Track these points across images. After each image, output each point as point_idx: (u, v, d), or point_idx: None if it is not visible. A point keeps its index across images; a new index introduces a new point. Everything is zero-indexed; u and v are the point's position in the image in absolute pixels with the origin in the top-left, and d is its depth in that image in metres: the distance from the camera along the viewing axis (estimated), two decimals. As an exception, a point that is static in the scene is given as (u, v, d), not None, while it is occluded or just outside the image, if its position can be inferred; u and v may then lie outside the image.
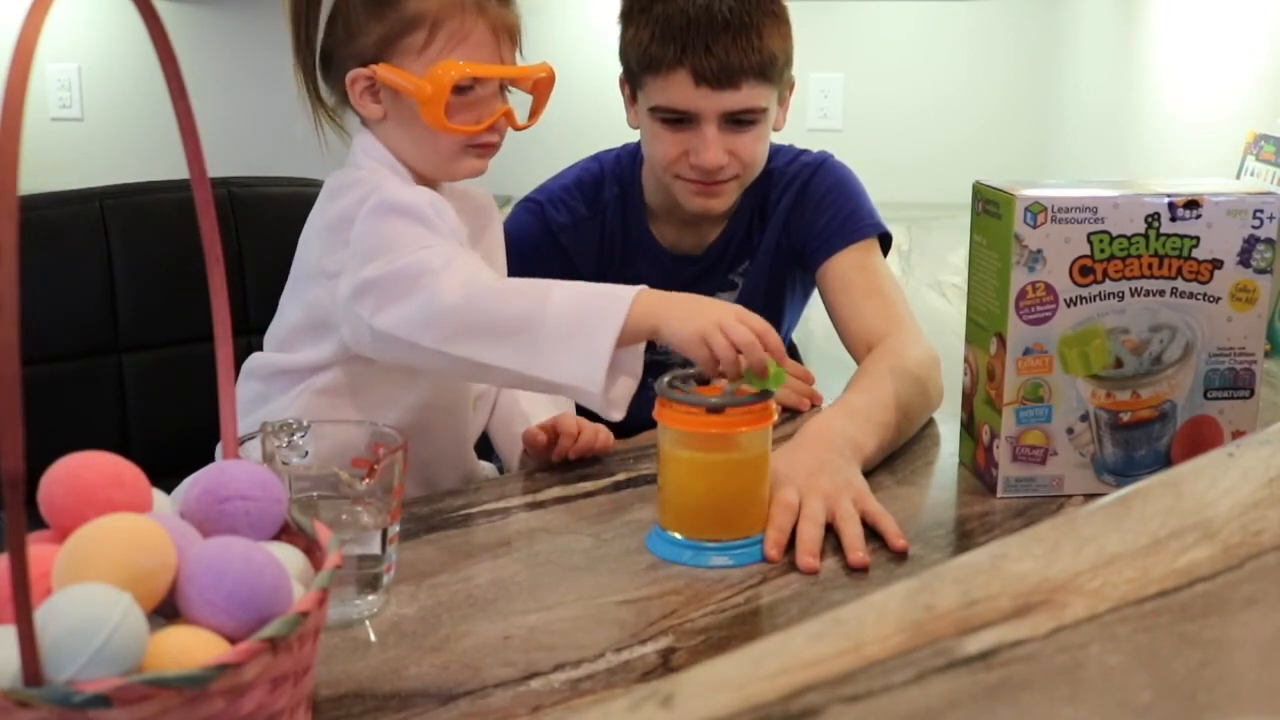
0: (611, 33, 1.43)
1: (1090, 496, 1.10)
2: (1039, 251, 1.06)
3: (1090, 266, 1.06)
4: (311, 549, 0.72)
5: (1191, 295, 1.08)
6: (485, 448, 1.36)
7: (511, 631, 0.88)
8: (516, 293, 1.06)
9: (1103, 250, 1.06)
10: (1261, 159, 1.73)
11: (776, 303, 1.52)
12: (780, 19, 1.37)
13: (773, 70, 1.35)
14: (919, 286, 2.14)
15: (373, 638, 0.87)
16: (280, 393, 1.19)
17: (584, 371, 1.01)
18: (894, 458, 1.21)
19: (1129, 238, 1.06)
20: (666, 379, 1.02)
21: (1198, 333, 1.09)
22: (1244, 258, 1.08)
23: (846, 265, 1.43)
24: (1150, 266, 1.07)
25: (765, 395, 1.00)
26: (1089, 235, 1.06)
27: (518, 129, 1.21)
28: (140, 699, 0.56)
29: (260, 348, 1.25)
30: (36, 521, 0.64)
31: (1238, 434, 1.11)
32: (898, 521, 1.02)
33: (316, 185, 1.23)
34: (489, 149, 1.20)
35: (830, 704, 0.43)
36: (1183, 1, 2.21)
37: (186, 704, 0.58)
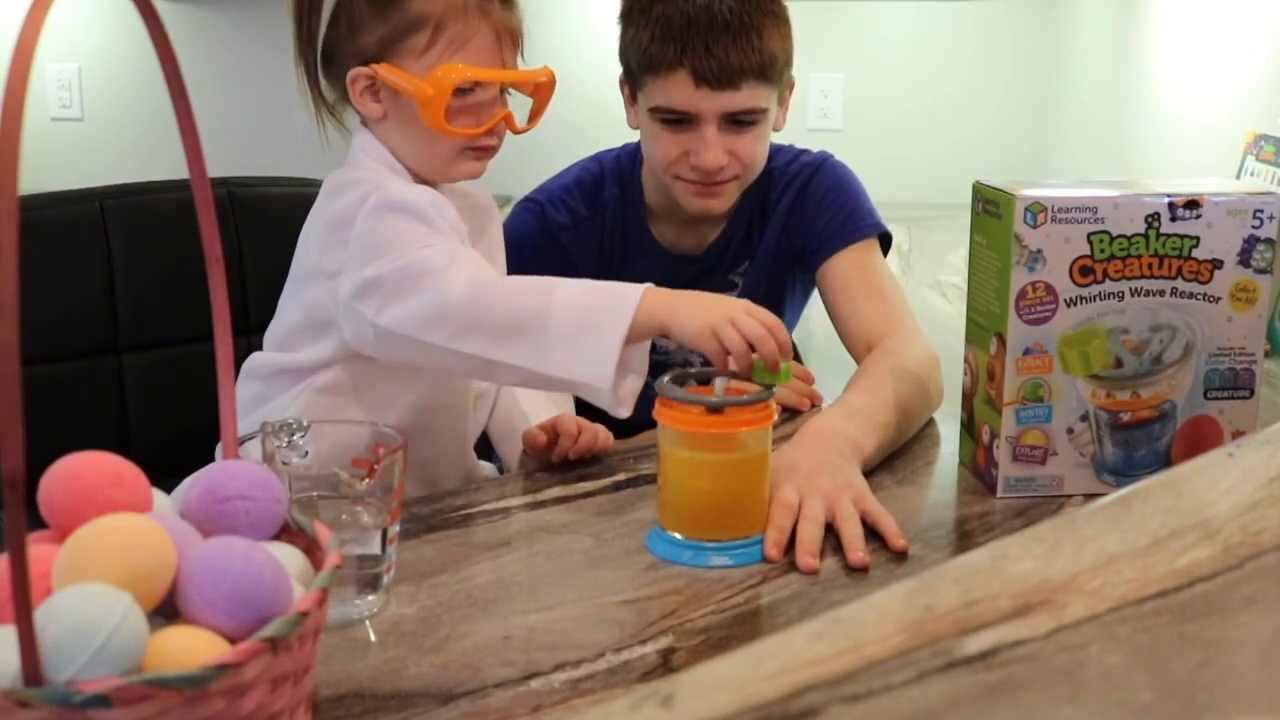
0: (611, 33, 1.43)
1: (1090, 496, 1.10)
2: (1039, 251, 1.06)
3: (1090, 266, 1.06)
4: (311, 549, 0.72)
5: (1191, 295, 1.08)
6: (485, 448, 1.36)
7: (511, 631, 0.88)
8: (523, 290, 1.07)
9: (1103, 250, 1.06)
10: (1261, 159, 1.73)
11: (776, 303, 1.52)
12: (780, 19, 1.37)
13: (773, 71, 1.35)
14: (919, 286, 2.14)
15: (373, 638, 0.87)
16: (280, 392, 1.19)
17: (594, 368, 1.01)
18: (894, 458, 1.21)
19: (1129, 238, 1.06)
20: (667, 378, 1.02)
21: (1198, 333, 1.09)
22: (1244, 258, 1.08)
23: (846, 265, 1.43)
24: (1150, 266, 1.07)
25: (766, 395, 1.00)
26: (1089, 235, 1.06)
27: (517, 132, 1.21)
28: (140, 699, 0.56)
29: (260, 348, 1.25)
30: (36, 521, 0.64)
31: (1238, 434, 1.11)
32: (898, 521, 1.02)
33: (316, 185, 1.23)
34: (488, 151, 1.20)
35: (830, 704, 0.43)
36: (1183, 1, 2.21)
37: (186, 704, 0.58)
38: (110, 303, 1.37)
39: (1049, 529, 0.57)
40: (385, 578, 0.91)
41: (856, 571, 0.97)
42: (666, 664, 0.84)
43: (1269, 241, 1.07)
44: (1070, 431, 1.10)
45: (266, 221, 1.45)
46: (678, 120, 1.37)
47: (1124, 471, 1.11)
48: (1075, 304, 1.07)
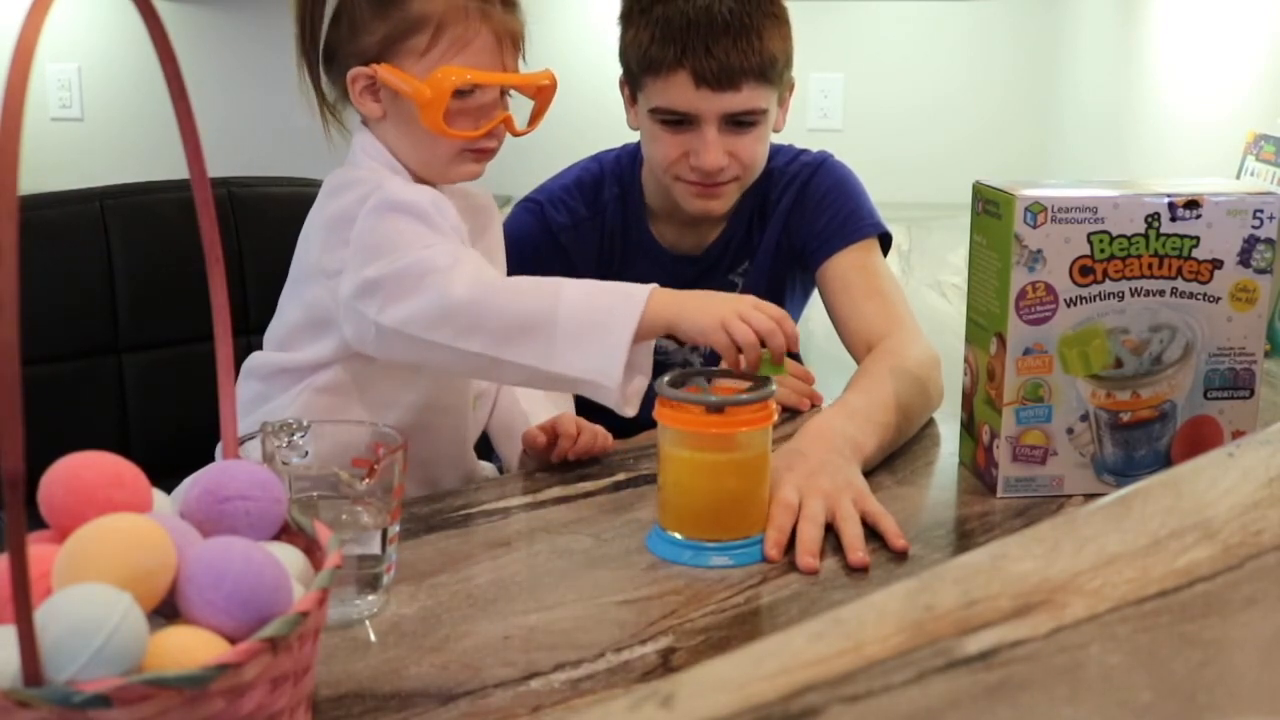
0: (611, 33, 1.43)
1: (1090, 496, 1.10)
2: (1039, 251, 1.06)
3: (1090, 266, 1.06)
4: (311, 549, 0.72)
5: (1191, 295, 1.08)
6: (485, 448, 1.36)
7: (511, 631, 0.88)
8: (529, 290, 1.07)
9: (1103, 250, 1.06)
10: (1261, 159, 1.73)
11: (776, 303, 1.51)
12: (780, 20, 1.37)
13: (773, 72, 1.35)
14: (919, 286, 2.14)
15: (373, 638, 0.87)
16: (280, 392, 1.19)
17: (602, 366, 1.01)
18: (894, 458, 1.21)
19: (1129, 238, 1.06)
20: (667, 379, 1.02)
21: (1198, 333, 1.09)
22: (1244, 258, 1.08)
23: (846, 265, 1.43)
24: (1150, 266, 1.07)
25: (765, 395, 1.00)
26: (1089, 235, 1.06)
27: (516, 135, 1.21)
28: (140, 699, 0.56)
29: (260, 347, 1.25)
30: (36, 521, 0.64)
31: (1238, 434, 1.11)
32: (898, 521, 1.02)
33: (316, 185, 1.23)
34: (487, 154, 1.20)
35: (830, 704, 0.43)
36: (1183, 1, 2.21)
37: (186, 704, 0.58)
38: (110, 303, 1.37)
39: (1049, 529, 0.57)
40: (385, 578, 0.91)
41: (856, 571, 0.97)
42: (666, 664, 0.84)
43: (1269, 241, 1.07)
44: (1070, 431, 1.10)
45: (266, 221, 1.45)
46: (678, 121, 1.37)
47: (1124, 471, 1.11)
48: (1075, 304, 1.07)
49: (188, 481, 0.73)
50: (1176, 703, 0.43)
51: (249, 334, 1.37)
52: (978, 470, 1.16)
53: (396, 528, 0.92)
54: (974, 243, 1.14)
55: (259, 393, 1.21)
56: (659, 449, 1.02)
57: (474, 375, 1.20)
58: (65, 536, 0.63)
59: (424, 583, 0.95)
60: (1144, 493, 0.61)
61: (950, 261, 2.30)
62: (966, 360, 1.17)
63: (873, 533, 1.02)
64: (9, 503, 0.53)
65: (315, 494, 0.89)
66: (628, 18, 1.39)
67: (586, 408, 1.14)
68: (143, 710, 0.57)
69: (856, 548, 0.98)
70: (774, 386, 1.01)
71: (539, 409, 1.29)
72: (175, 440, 1.37)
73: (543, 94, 1.22)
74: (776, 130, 1.44)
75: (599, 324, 1.03)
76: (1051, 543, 0.55)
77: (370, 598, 0.90)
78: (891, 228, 1.48)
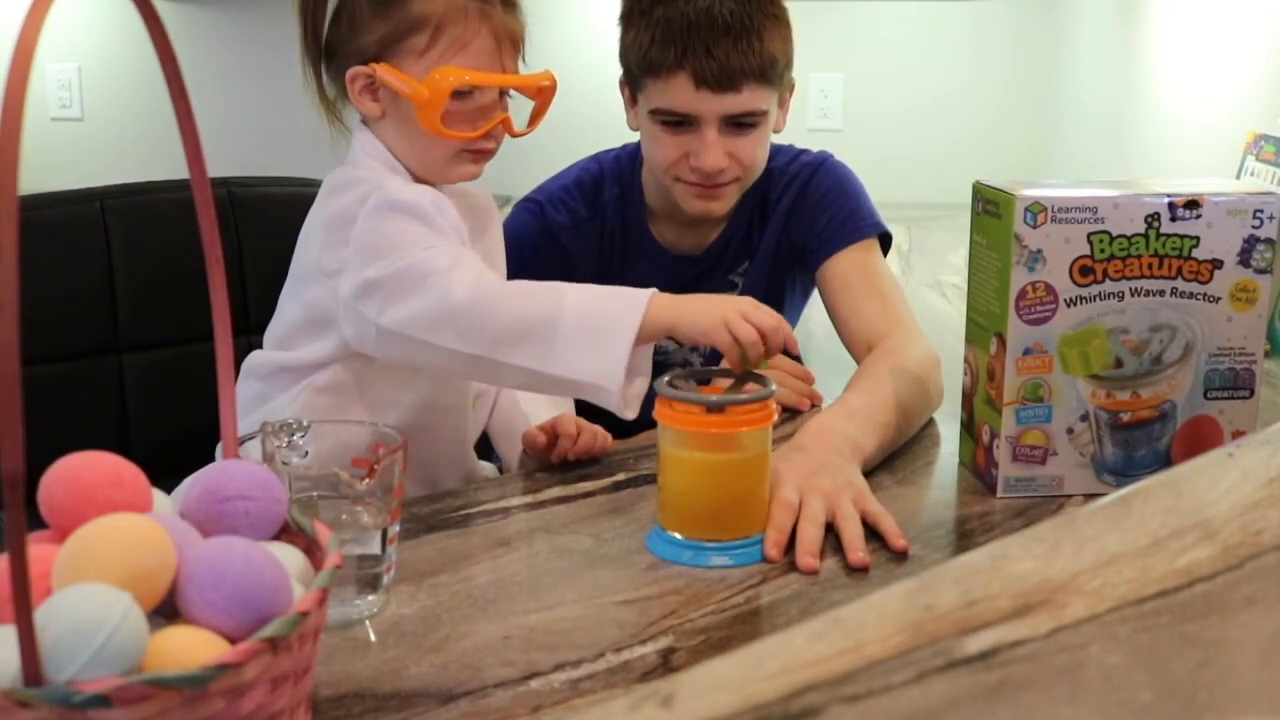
0: (611, 34, 1.43)
1: (1090, 496, 1.10)
2: (1039, 251, 1.06)
3: (1090, 266, 1.06)
4: (311, 549, 0.72)
5: (1191, 295, 1.08)
6: (485, 448, 1.36)
7: (511, 631, 0.88)
8: (529, 293, 1.07)
9: (1103, 250, 1.06)
10: (1261, 159, 1.73)
11: (776, 303, 1.52)
12: (781, 21, 1.37)
13: (773, 73, 1.35)
14: (919, 286, 2.14)
15: (373, 638, 0.87)
16: (280, 391, 1.19)
17: (604, 369, 1.02)
18: (894, 458, 1.21)
19: (1129, 238, 1.06)
20: (666, 379, 1.02)
21: (1198, 333, 1.09)
22: (1244, 258, 1.08)
23: (846, 265, 1.43)
24: (1150, 266, 1.07)
25: (765, 395, 1.00)
26: (1089, 235, 1.06)
27: (515, 136, 1.21)
28: (140, 699, 0.56)
29: (260, 347, 1.25)
30: (36, 521, 0.64)
31: (1238, 434, 1.11)
32: (898, 521, 1.02)
33: (316, 185, 1.23)
34: (485, 155, 1.20)
35: (830, 704, 0.43)
36: (1183, 1, 2.21)
37: (186, 704, 0.58)
38: (110, 303, 1.37)
39: (1049, 529, 0.57)
40: (385, 578, 0.91)
41: (856, 571, 0.97)
42: (666, 664, 0.84)
43: (1269, 241, 1.07)
44: (1070, 431, 1.10)
45: (266, 221, 1.45)
46: (678, 122, 1.37)
47: (1124, 471, 1.11)
48: (1075, 304, 1.07)
49: (188, 481, 0.73)
50: (1176, 703, 0.43)
51: (249, 334, 1.37)
52: (978, 470, 1.16)
53: (396, 528, 0.92)
54: (974, 243, 1.14)
55: (259, 392, 1.21)
56: (659, 449, 1.02)
57: (474, 378, 1.20)
58: (65, 536, 0.63)
59: (424, 583, 0.95)
60: (1144, 493, 0.61)
61: (950, 261, 2.30)
62: (966, 360, 1.17)
63: (873, 533, 1.02)
64: (9, 503, 0.53)
65: (315, 494, 0.89)
66: (628, 19, 1.39)
67: (586, 408, 1.14)
68: (143, 710, 0.57)
69: (856, 548, 0.99)
70: (774, 386, 1.02)
71: (539, 409, 1.29)
72: (175, 440, 1.37)
73: (542, 95, 1.22)
74: (777, 131, 1.44)
75: (600, 327, 1.03)
76: (1051, 543, 0.55)
77: (370, 598, 0.90)
78: (891, 228, 1.48)
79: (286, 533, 0.74)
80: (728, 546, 0.99)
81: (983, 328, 1.12)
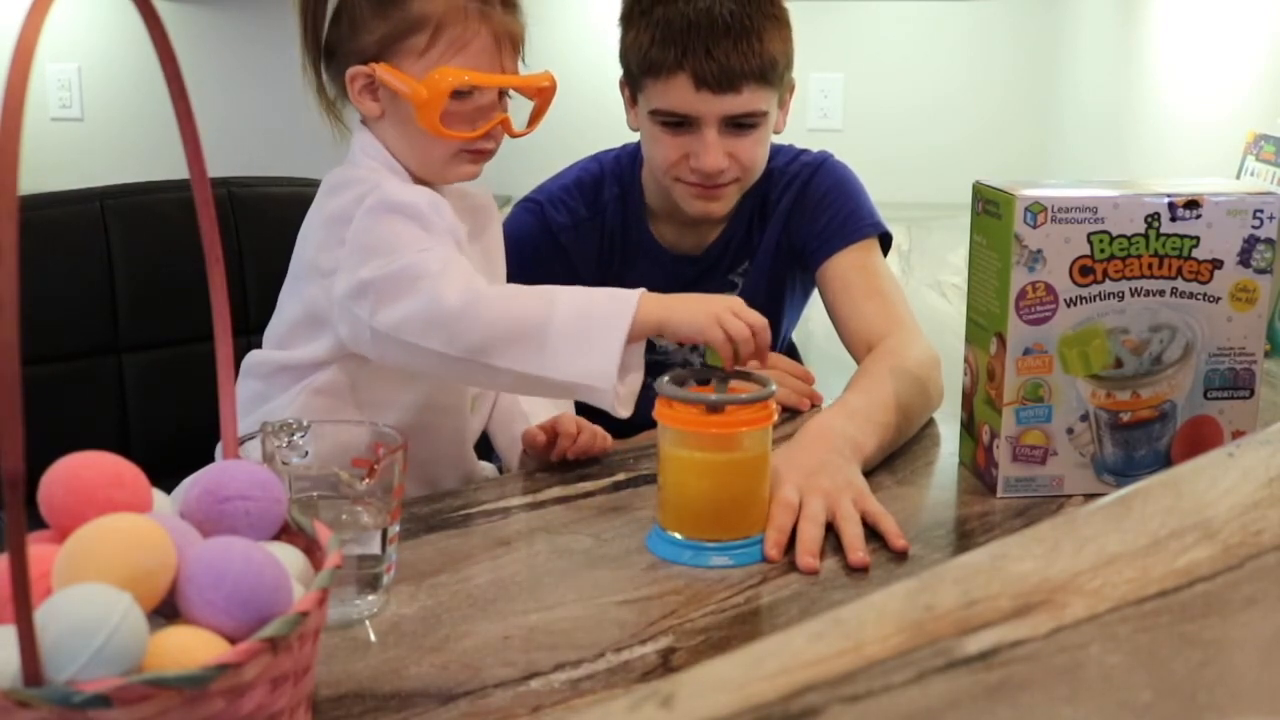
0: (612, 34, 1.43)
1: (1090, 496, 1.10)
2: (1039, 251, 1.06)
3: (1090, 266, 1.06)
4: (311, 549, 0.72)
5: (1191, 295, 1.08)
6: (485, 448, 1.36)
7: (511, 631, 0.88)
8: (519, 296, 1.07)
9: (1103, 250, 1.06)
10: (1261, 159, 1.73)
11: (776, 303, 1.52)
12: (781, 22, 1.37)
13: (773, 74, 1.35)
14: (919, 286, 2.14)
15: (373, 638, 0.87)
16: (279, 391, 1.19)
17: (597, 368, 1.02)
18: (894, 458, 1.21)
19: (1129, 238, 1.06)
20: (666, 378, 1.02)
21: (1198, 333, 1.09)
22: (1244, 258, 1.08)
23: (846, 265, 1.43)
24: (1150, 266, 1.07)
25: (765, 395, 1.00)
26: (1089, 235, 1.06)
27: (514, 136, 1.21)
28: (140, 699, 0.56)
29: (260, 348, 1.25)
30: (36, 521, 0.64)
31: (1238, 434, 1.11)
32: (898, 521, 1.02)
33: (316, 185, 1.23)
34: (484, 155, 1.20)
35: (830, 704, 0.43)
36: (1183, 1, 2.21)
37: (186, 704, 0.58)
38: (110, 303, 1.37)
39: (1049, 529, 0.57)
40: (385, 578, 0.91)
41: (856, 571, 0.97)
42: (666, 664, 0.84)
43: (1269, 241, 1.07)
44: (1070, 431, 1.10)
45: (266, 221, 1.45)
46: (678, 123, 1.37)
47: (1124, 471, 1.11)
48: (1075, 304, 1.07)
49: (188, 481, 0.73)
50: (1176, 703, 0.43)
51: (249, 334, 1.37)
52: (978, 470, 1.16)
53: (396, 528, 0.92)
54: (974, 243, 1.14)
55: (258, 391, 1.21)
56: (659, 449, 1.02)
57: (466, 381, 1.20)
58: (65, 536, 0.63)
59: (424, 583, 0.95)
60: (1144, 493, 0.61)
61: (950, 261, 2.30)
62: (966, 360, 1.17)
63: (873, 533, 1.02)
64: (9, 503, 0.53)
65: (315, 494, 0.89)
66: (628, 19, 1.39)
67: (586, 408, 1.14)
68: (143, 710, 0.57)
69: (857, 548, 0.99)
70: (774, 386, 1.02)
71: (539, 408, 1.29)
72: (175, 440, 1.37)
73: (542, 96, 1.22)
74: (777, 132, 1.44)
75: (591, 327, 1.03)
76: (1051, 543, 0.55)
77: (370, 598, 0.90)
78: (891, 228, 1.48)
79: (286, 533, 0.74)
80: (728, 546, 0.99)
81: (983, 328, 1.12)
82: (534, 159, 1.78)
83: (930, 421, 1.30)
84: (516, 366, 1.04)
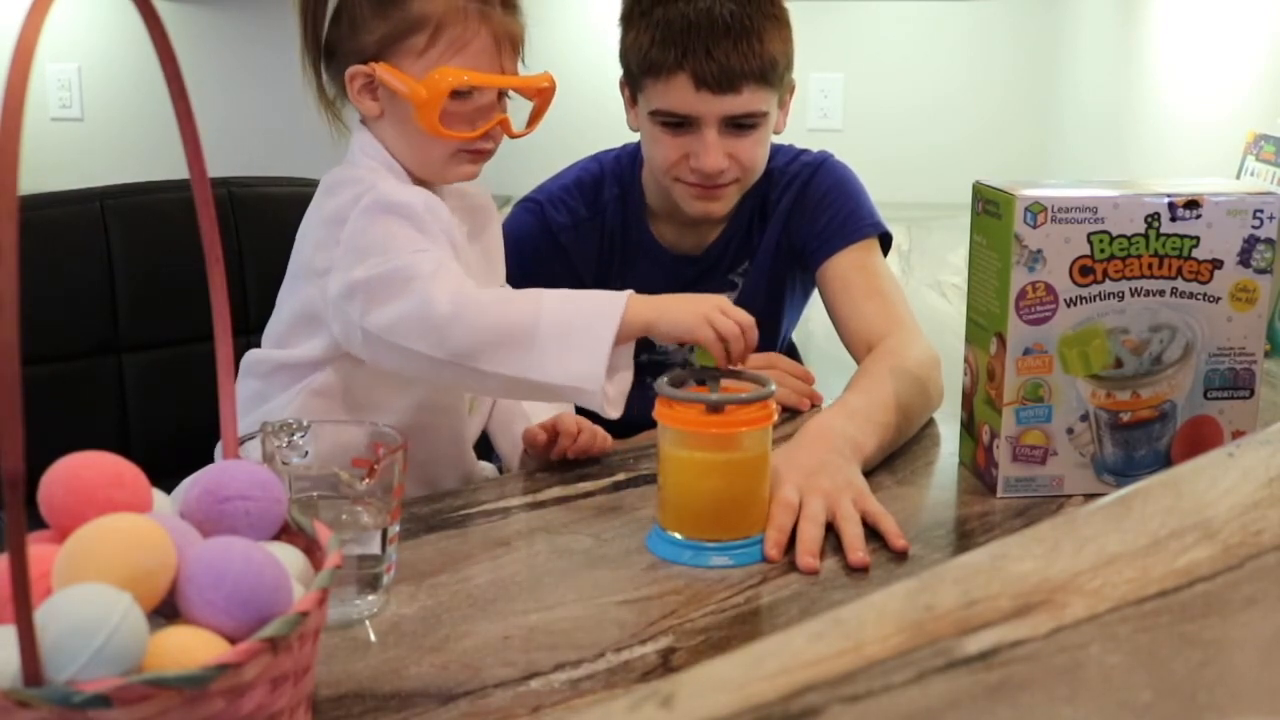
0: (612, 34, 1.43)
1: (1090, 496, 1.10)
2: (1039, 251, 1.06)
3: (1090, 266, 1.06)
4: (311, 549, 0.72)
5: (1191, 295, 1.08)
6: (485, 448, 1.36)
7: (511, 631, 0.88)
8: (508, 300, 1.08)
9: (1103, 250, 1.06)
10: (1261, 159, 1.73)
11: (776, 303, 1.52)
12: (781, 22, 1.37)
13: (773, 74, 1.35)
14: (919, 286, 2.14)
15: (373, 638, 0.87)
16: (279, 391, 1.19)
17: (584, 371, 1.02)
18: (894, 458, 1.21)
19: (1129, 238, 1.06)
20: (666, 379, 1.02)
21: (1198, 333, 1.09)
22: (1244, 258, 1.08)
23: (846, 265, 1.43)
24: (1150, 266, 1.07)
25: (765, 395, 1.00)
26: (1089, 235, 1.06)
27: (514, 137, 1.21)
28: (140, 699, 0.56)
29: (260, 347, 1.25)
30: (36, 521, 0.64)
31: (1238, 434, 1.11)
32: (898, 521, 1.02)
33: (316, 185, 1.23)
34: (483, 155, 1.20)
35: (830, 704, 0.43)
36: (1183, 1, 2.21)
37: (186, 704, 0.58)
38: (110, 303, 1.37)
39: (1049, 529, 0.57)
40: (385, 578, 0.91)
41: (856, 571, 0.97)
42: (666, 664, 0.84)
43: (1269, 241, 1.07)
44: (1070, 431, 1.10)
45: (266, 221, 1.45)
46: (678, 123, 1.37)
47: (1124, 471, 1.11)
48: (1075, 304, 1.07)
49: (188, 481, 0.73)
50: (1176, 703, 0.43)
51: (249, 334, 1.37)
52: (978, 470, 1.16)
53: (396, 528, 0.92)
54: (974, 243, 1.14)
55: (257, 391, 1.21)
56: (659, 449, 1.02)
57: (455, 385, 1.19)
58: (65, 536, 0.63)
59: (424, 583, 0.95)
60: (1144, 493, 0.61)
61: (950, 261, 2.30)
62: (966, 360, 1.17)
63: (873, 533, 1.02)
64: (9, 503, 0.53)
65: (315, 494, 0.89)
66: (628, 19, 1.39)
67: (584, 409, 1.14)
68: (143, 710, 0.57)
69: (857, 548, 0.99)
70: (774, 386, 1.02)
71: (539, 408, 1.29)
72: (175, 440, 1.37)
73: (541, 96, 1.22)
74: (777, 132, 1.44)
75: (578, 330, 1.03)
76: (1051, 543, 0.55)
77: (370, 598, 0.90)
78: (891, 228, 1.48)
79: (286, 533, 0.74)
80: (728, 546, 0.99)
81: (983, 328, 1.12)
82: (534, 159, 1.78)
83: (930, 421, 1.30)
84: (504, 370, 1.04)
